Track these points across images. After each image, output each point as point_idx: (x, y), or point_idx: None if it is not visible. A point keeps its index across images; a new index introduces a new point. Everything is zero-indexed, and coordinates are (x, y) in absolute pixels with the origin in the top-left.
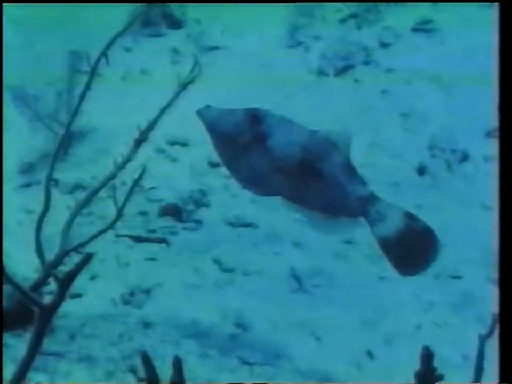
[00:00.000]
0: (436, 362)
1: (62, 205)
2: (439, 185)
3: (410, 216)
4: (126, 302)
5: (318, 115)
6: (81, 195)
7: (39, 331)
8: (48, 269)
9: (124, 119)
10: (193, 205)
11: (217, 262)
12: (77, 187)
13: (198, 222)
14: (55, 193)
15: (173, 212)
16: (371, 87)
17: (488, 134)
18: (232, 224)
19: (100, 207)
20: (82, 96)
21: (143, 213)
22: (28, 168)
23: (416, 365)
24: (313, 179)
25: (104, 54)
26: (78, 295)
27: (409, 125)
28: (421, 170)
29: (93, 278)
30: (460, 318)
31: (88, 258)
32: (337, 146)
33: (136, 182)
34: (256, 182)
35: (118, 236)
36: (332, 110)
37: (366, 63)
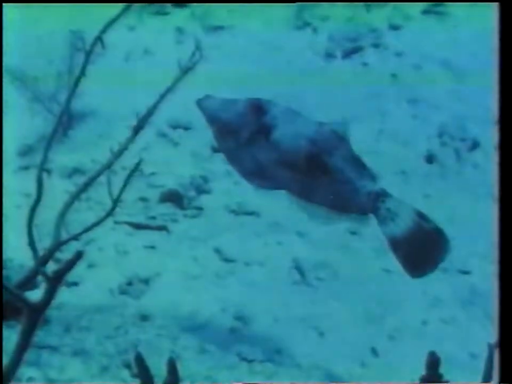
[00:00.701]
0: (442, 361)
1: (60, 189)
2: (448, 175)
3: (421, 216)
4: (123, 292)
5: (324, 99)
6: (79, 180)
7: (27, 330)
8: (37, 266)
9: (126, 101)
10: (194, 191)
11: (218, 251)
12: (76, 171)
13: (199, 209)
14: (53, 177)
15: (174, 198)
16: (380, 71)
17: (497, 122)
18: (234, 212)
19: (99, 192)
20: (77, 82)
21: (143, 199)
22: (27, 151)
23: (421, 362)
24: (320, 174)
25: (99, 38)
26: (75, 284)
27: (418, 111)
28: (430, 159)
29: (90, 266)
30: (468, 314)
31: (78, 256)
32: (346, 140)
33: (132, 174)
34: (260, 175)
35: (117, 222)
36: (339, 94)
37: (375, 45)
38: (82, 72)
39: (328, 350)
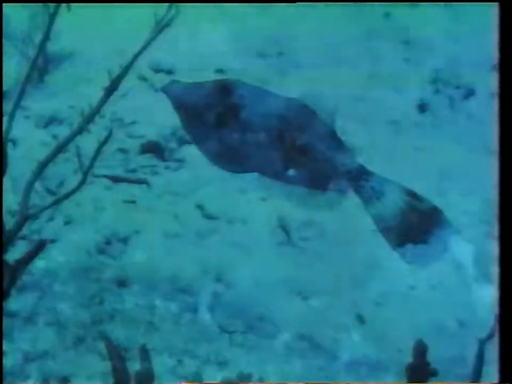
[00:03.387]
0: (429, 328)
1: (36, 140)
2: (441, 125)
3: (412, 195)
4: (101, 251)
5: (313, 40)
6: (57, 129)
7: None
8: None
9: (106, 43)
10: (176, 142)
11: (200, 207)
12: (53, 120)
13: (181, 161)
14: (29, 126)
15: (155, 149)
16: (372, 10)
17: (496, 68)
18: None
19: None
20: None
21: (122, 150)
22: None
23: (409, 330)
24: (294, 153)
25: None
26: (52, 241)
27: (412, 54)
28: (422, 107)
29: (67, 222)
30: (457, 278)
31: (42, 245)
32: (318, 114)
33: (102, 146)
34: (231, 158)
35: (95, 176)
36: (329, 34)
37: None
38: (47, 36)
39: (313, 316)
